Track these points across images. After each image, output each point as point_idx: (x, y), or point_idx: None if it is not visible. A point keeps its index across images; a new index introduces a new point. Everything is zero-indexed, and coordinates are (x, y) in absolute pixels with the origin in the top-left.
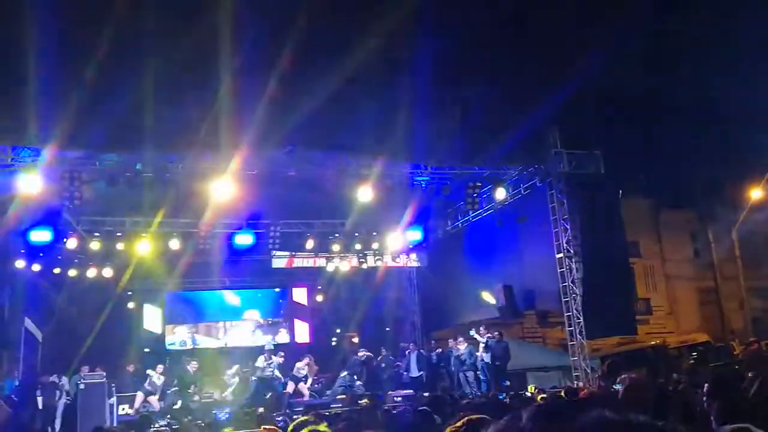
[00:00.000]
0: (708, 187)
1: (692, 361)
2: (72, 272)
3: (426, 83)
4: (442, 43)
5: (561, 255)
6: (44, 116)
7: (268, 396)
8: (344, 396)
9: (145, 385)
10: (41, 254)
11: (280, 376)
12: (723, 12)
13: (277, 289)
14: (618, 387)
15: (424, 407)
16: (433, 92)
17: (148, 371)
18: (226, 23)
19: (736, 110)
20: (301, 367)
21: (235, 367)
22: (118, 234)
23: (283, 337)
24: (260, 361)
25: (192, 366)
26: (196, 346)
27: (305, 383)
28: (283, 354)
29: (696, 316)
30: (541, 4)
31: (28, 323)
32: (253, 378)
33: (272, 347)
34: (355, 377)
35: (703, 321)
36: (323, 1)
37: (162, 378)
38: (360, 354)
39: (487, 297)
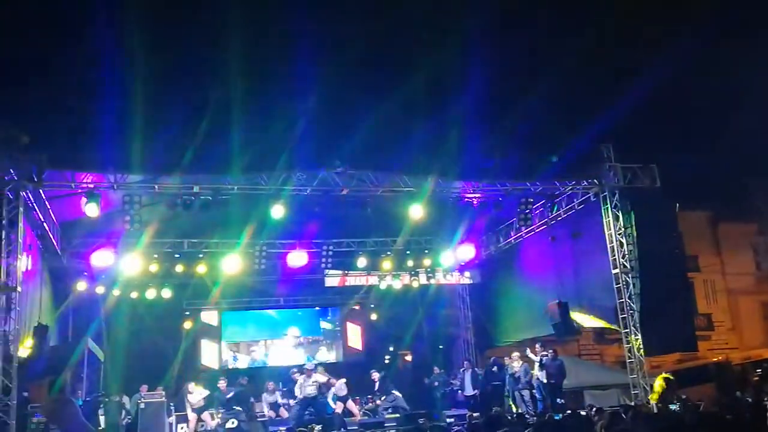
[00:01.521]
0: (767, 198)
1: (757, 378)
2: (133, 294)
3: (478, 100)
4: (493, 64)
5: (617, 270)
6: (104, 141)
7: (310, 413)
8: (397, 414)
9: (188, 402)
10: (103, 276)
11: (317, 393)
12: None
13: (325, 307)
14: (674, 407)
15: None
16: (485, 109)
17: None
18: (277, 45)
19: None
20: (340, 387)
21: (270, 384)
22: (177, 255)
23: (323, 355)
24: (301, 380)
25: (221, 385)
26: (245, 365)
27: (349, 400)
28: (323, 371)
29: (760, 331)
30: (595, 20)
31: (91, 344)
32: (299, 397)
33: (313, 366)
34: (398, 394)
35: (767, 336)
36: (374, 23)
37: (202, 393)
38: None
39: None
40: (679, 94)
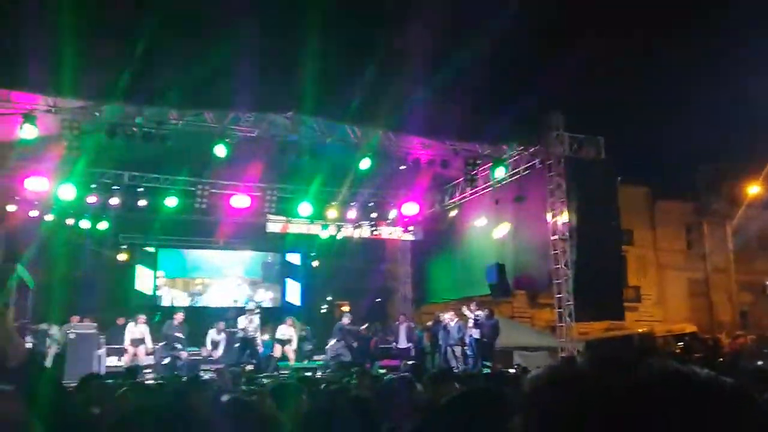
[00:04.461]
0: (706, 180)
1: (679, 351)
2: (67, 221)
3: (429, 59)
4: (446, 21)
5: (555, 237)
6: (46, 62)
7: (248, 353)
8: (332, 363)
9: (127, 336)
10: (36, 202)
11: (258, 336)
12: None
13: (265, 252)
14: None
15: (406, 373)
16: (435, 67)
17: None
18: None
19: (741, 106)
20: (284, 329)
21: (221, 324)
22: (116, 187)
23: (261, 296)
24: (242, 321)
25: (177, 319)
26: (183, 304)
27: (290, 346)
28: (258, 313)
29: (685, 307)
30: None
31: (21, 269)
32: (237, 336)
33: (253, 307)
34: (343, 344)
35: (691, 312)
36: None
37: (142, 327)
38: (345, 321)
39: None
40: (635, 71)
